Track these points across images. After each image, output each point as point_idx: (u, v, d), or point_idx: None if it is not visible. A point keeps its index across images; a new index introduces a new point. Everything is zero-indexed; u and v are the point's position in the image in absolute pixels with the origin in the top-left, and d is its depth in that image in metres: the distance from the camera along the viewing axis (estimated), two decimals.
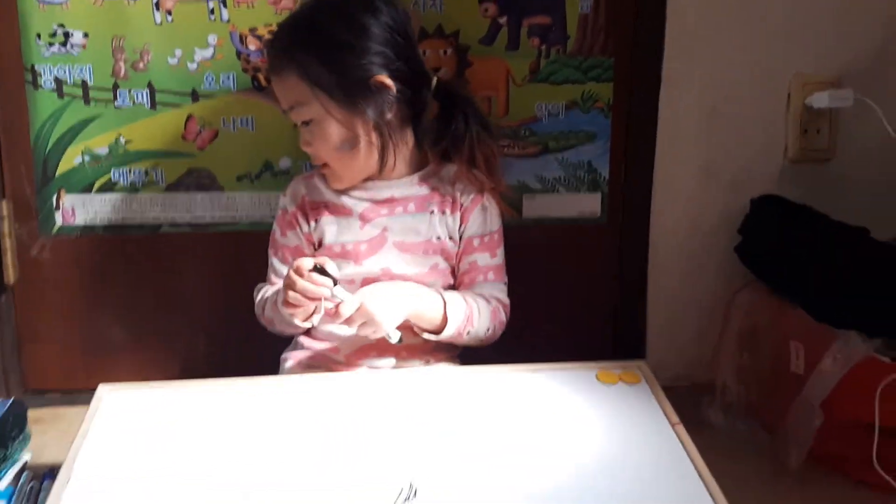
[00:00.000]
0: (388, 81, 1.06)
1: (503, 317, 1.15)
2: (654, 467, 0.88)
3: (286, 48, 1.07)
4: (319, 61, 1.04)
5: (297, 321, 1.07)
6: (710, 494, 0.85)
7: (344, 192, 1.14)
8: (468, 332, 1.10)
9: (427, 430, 0.92)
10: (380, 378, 1.05)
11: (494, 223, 1.16)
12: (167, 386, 1.00)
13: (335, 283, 1.02)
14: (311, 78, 1.05)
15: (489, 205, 1.15)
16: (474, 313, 1.10)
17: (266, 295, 1.15)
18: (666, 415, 0.96)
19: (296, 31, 1.09)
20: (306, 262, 1.02)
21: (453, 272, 1.16)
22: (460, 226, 1.14)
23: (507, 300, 1.16)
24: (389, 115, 1.08)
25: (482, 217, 1.15)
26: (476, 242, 1.14)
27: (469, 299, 1.11)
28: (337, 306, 1.02)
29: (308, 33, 1.07)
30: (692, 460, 0.89)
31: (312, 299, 1.02)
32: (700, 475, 0.87)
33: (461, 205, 1.14)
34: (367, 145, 1.08)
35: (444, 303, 1.08)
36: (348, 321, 1.02)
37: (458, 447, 0.90)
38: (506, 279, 1.17)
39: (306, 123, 1.08)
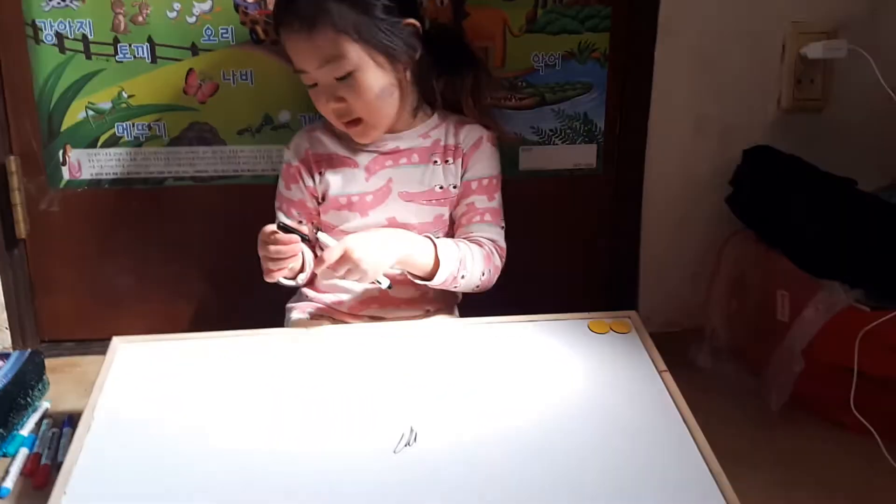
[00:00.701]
0: (417, 23, 1.08)
1: (498, 261, 1.16)
2: (641, 412, 0.93)
3: (314, 4, 1.03)
4: (356, 10, 1.04)
5: (286, 283, 1.11)
6: (693, 437, 0.90)
7: (349, 144, 1.16)
8: (462, 277, 1.12)
9: (426, 379, 0.97)
10: (381, 330, 1.09)
11: (493, 168, 1.18)
12: (178, 338, 1.04)
13: (303, 238, 1.04)
14: (350, 27, 1.03)
15: (489, 149, 1.18)
16: (467, 257, 1.11)
17: None
18: (654, 362, 1.01)
19: None
20: (267, 228, 1.03)
21: None
22: (463, 172, 1.17)
23: (503, 244, 1.18)
24: (418, 56, 1.10)
25: (481, 161, 1.17)
26: (474, 185, 1.17)
27: (462, 245, 1.13)
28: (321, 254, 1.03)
29: None
30: (677, 406, 0.94)
31: (290, 257, 1.04)
32: (684, 419, 0.92)
33: (462, 151, 1.16)
34: (401, 90, 1.11)
35: (435, 247, 1.10)
36: (333, 267, 1.02)
37: (456, 395, 0.95)
38: (503, 224, 1.19)
39: (342, 79, 1.06)
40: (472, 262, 1.12)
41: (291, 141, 1.20)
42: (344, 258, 1.01)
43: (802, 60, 1.33)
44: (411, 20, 1.08)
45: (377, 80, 1.07)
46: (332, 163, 1.16)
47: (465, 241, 1.14)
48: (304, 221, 1.18)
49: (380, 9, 1.05)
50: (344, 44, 1.04)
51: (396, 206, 1.15)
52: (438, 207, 1.16)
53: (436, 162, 1.16)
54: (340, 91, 1.08)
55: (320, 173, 1.16)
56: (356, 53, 1.05)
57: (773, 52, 1.34)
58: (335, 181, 1.15)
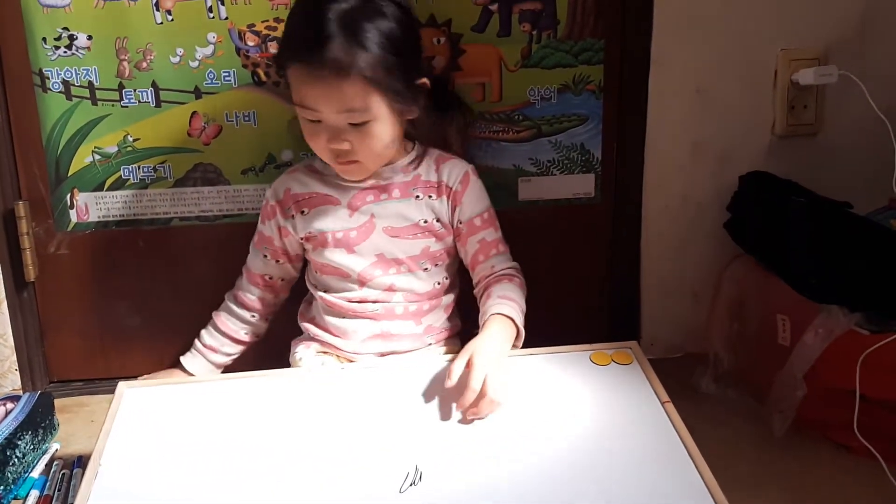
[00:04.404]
0: (427, 82, 1.12)
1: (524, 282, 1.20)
2: (644, 444, 0.94)
3: (347, 53, 1.02)
4: (385, 65, 1.04)
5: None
6: (697, 468, 0.90)
7: (330, 182, 1.18)
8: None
9: (430, 416, 0.98)
10: (383, 365, 1.10)
11: (486, 199, 1.22)
12: (182, 381, 1.06)
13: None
14: (380, 81, 1.04)
15: (477, 183, 1.20)
16: (522, 301, 1.15)
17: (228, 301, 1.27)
18: (656, 393, 1.02)
19: (353, 36, 1.03)
20: None
21: (448, 253, 1.21)
22: (454, 209, 1.19)
23: (517, 265, 1.21)
24: (420, 110, 1.14)
25: (475, 196, 1.19)
26: (478, 221, 1.19)
27: (515, 297, 1.13)
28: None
29: (368, 37, 1.03)
30: (681, 437, 0.95)
31: None
32: (688, 450, 0.93)
33: (450, 188, 1.18)
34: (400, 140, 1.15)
35: (514, 320, 1.10)
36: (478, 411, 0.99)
37: (460, 431, 0.96)
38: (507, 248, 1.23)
39: (356, 125, 1.07)
40: (523, 302, 1.15)
41: (276, 181, 1.23)
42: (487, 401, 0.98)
43: (795, 87, 1.35)
44: (424, 80, 1.12)
45: (388, 132, 1.10)
46: (314, 202, 1.18)
47: (503, 286, 1.15)
48: (269, 256, 1.24)
49: (402, 67, 1.07)
50: (368, 96, 1.05)
51: (382, 241, 1.17)
52: (425, 240, 1.18)
53: (418, 196, 1.17)
54: (348, 135, 1.08)
55: (301, 213, 1.18)
56: (379, 107, 1.07)
57: (766, 79, 1.36)
58: (318, 220, 1.17)
